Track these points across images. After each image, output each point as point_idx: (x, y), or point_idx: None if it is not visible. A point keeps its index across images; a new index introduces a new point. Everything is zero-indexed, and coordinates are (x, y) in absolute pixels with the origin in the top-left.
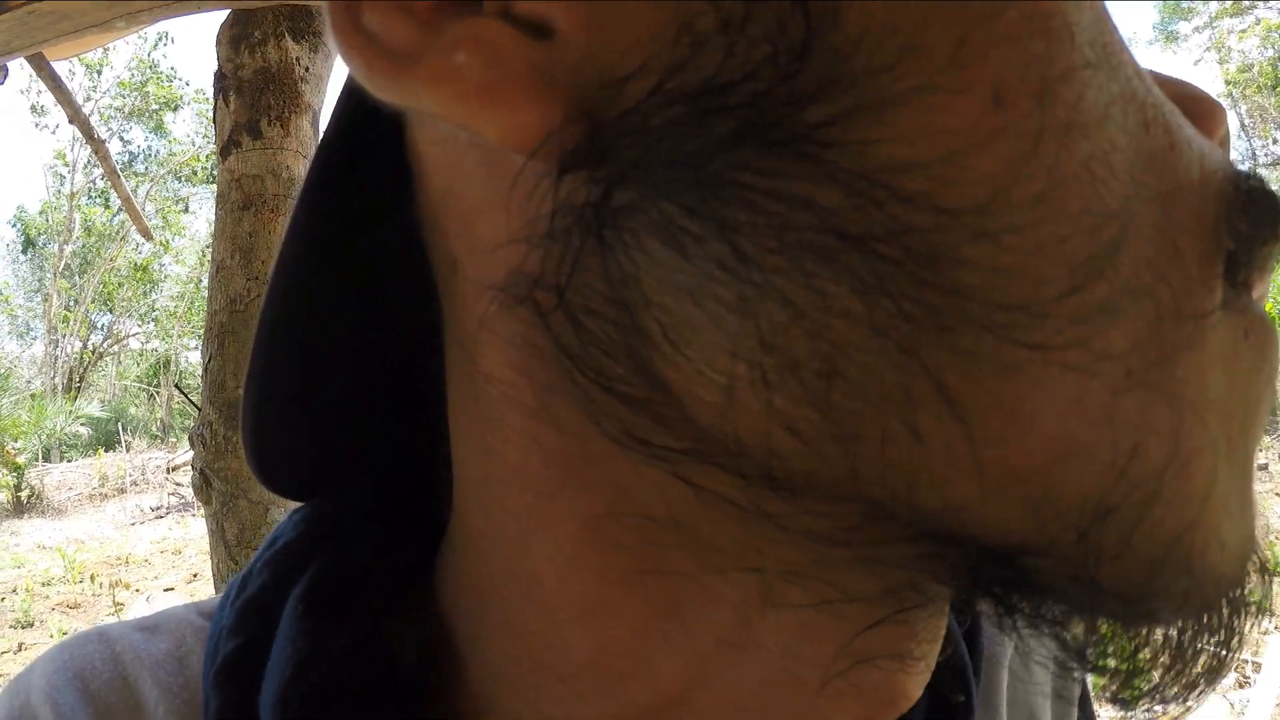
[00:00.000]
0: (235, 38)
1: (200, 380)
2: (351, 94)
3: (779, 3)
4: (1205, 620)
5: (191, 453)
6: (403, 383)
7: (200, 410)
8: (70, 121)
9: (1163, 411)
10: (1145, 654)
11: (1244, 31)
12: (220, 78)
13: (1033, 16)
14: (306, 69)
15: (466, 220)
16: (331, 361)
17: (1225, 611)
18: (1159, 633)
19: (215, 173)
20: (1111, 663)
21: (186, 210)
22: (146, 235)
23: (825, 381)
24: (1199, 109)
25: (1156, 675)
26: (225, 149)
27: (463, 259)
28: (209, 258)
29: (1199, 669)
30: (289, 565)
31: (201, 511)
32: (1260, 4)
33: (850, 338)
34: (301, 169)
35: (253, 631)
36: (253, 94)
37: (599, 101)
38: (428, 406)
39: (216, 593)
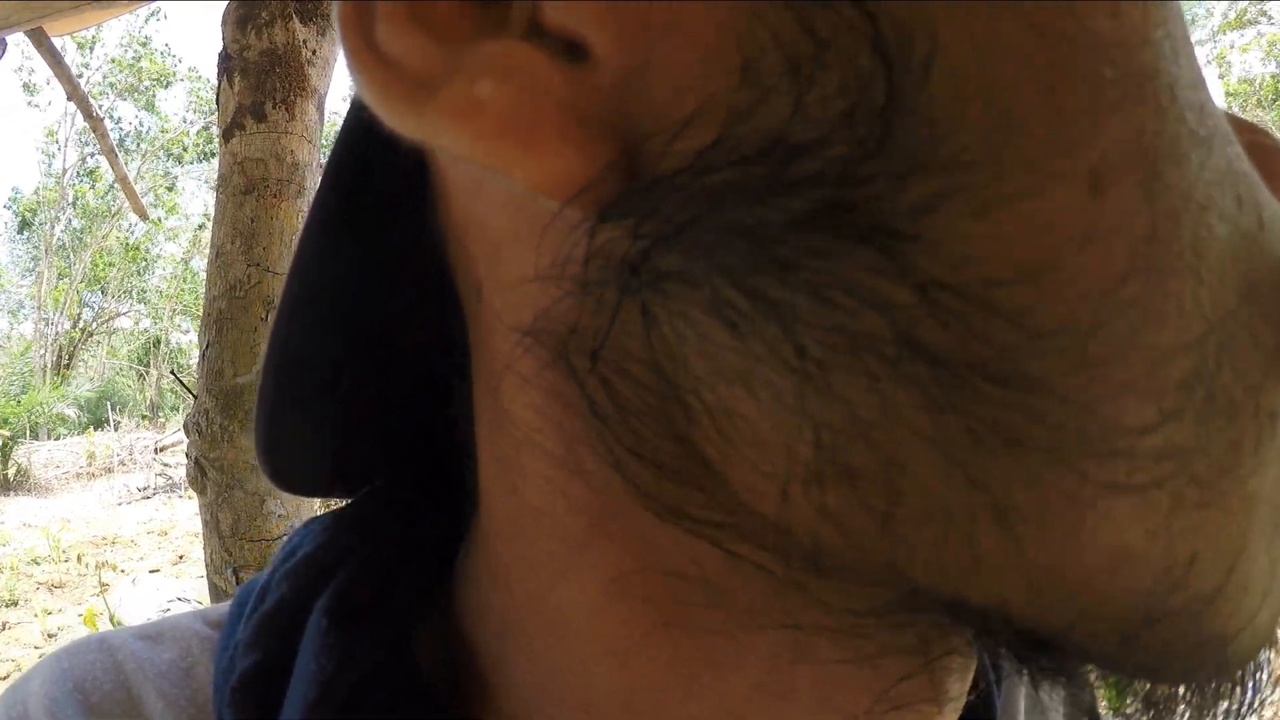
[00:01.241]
0: (241, 18)
1: (195, 365)
2: None
3: (854, 49)
4: (1226, 681)
5: (180, 433)
6: (426, 374)
7: (196, 398)
8: (68, 98)
9: (1224, 522)
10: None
11: (1246, 45)
12: (225, 58)
13: (1136, 76)
14: (313, 52)
15: (492, 246)
16: (352, 353)
17: (1244, 674)
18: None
19: (205, 150)
20: (1134, 708)
21: (171, 189)
22: (142, 215)
23: (881, 490)
24: (1270, 163)
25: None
26: (228, 131)
27: (487, 287)
28: (202, 238)
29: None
30: (310, 578)
31: (188, 493)
32: (1263, 20)
33: (912, 452)
34: (306, 154)
35: (272, 646)
36: (258, 76)
37: (643, 146)
38: (453, 402)
39: (207, 581)
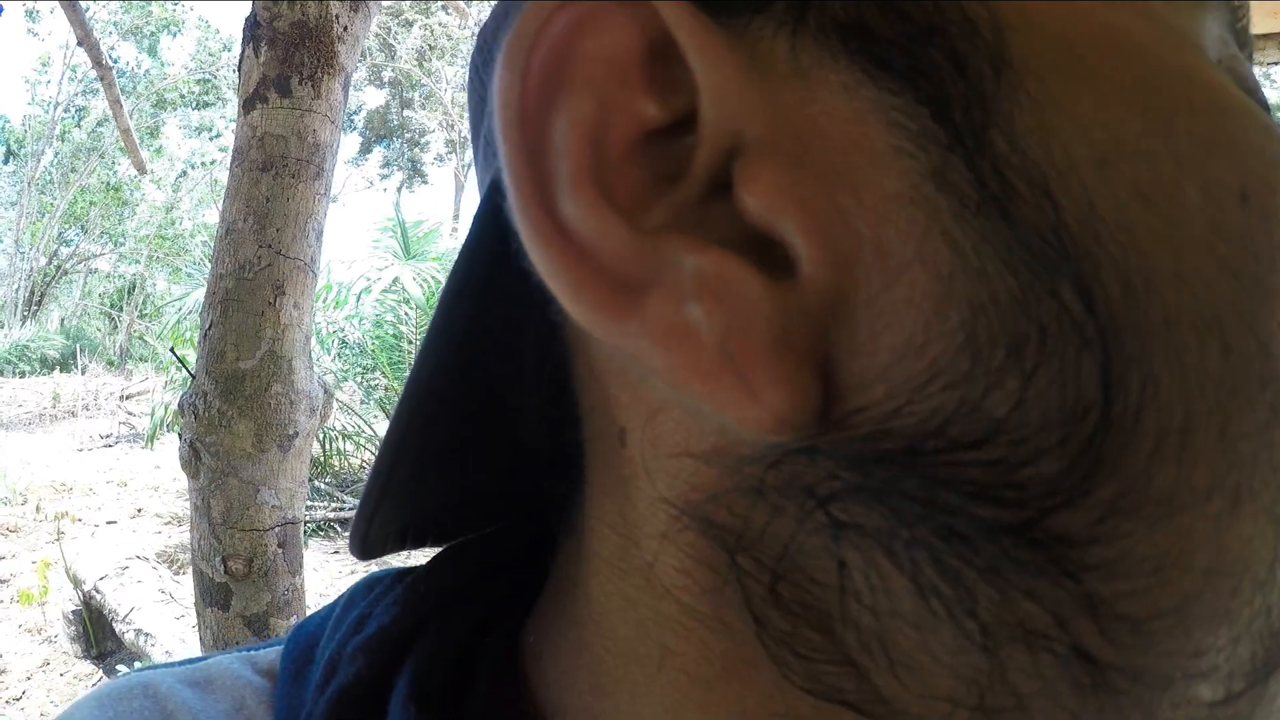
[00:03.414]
0: None
1: (166, 311)
2: None
3: (1076, 356)
4: None
5: (146, 382)
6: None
7: (194, 379)
8: (79, 44)
9: None
10: None
11: None
12: (253, 25)
13: None
14: (345, 28)
15: (644, 406)
16: (468, 429)
17: None
18: None
19: (200, 99)
20: None
21: (155, 134)
22: (141, 169)
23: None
24: None
25: None
26: (249, 102)
27: (633, 438)
28: (183, 185)
29: None
30: (387, 654)
31: (150, 444)
32: (1266, 83)
33: (1043, 706)
34: (328, 134)
35: None
36: (286, 48)
37: (845, 386)
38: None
39: (193, 567)
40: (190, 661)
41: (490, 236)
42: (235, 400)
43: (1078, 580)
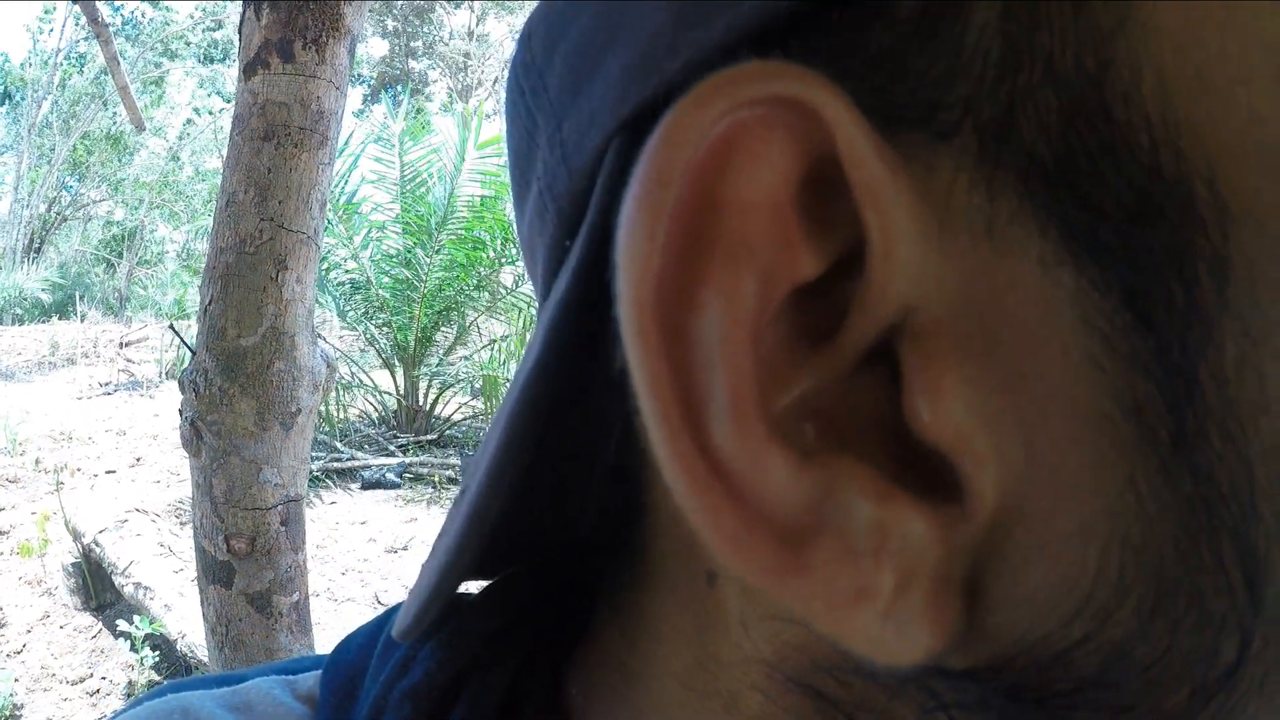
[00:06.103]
0: None
1: (168, 255)
2: None
3: (1222, 626)
4: None
5: (145, 329)
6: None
7: (194, 355)
8: (74, 1)
9: None
10: None
11: None
12: None
13: None
14: None
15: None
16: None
17: None
18: None
19: (206, 54)
20: None
21: (159, 83)
22: (139, 126)
23: None
24: None
25: None
26: (250, 67)
27: (729, 588)
28: (190, 133)
29: None
30: (434, 700)
31: (149, 392)
32: None
33: None
34: (332, 101)
35: None
36: (289, 10)
37: (990, 621)
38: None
39: (194, 544)
40: (226, 681)
41: (574, 325)
42: (237, 378)
43: None
